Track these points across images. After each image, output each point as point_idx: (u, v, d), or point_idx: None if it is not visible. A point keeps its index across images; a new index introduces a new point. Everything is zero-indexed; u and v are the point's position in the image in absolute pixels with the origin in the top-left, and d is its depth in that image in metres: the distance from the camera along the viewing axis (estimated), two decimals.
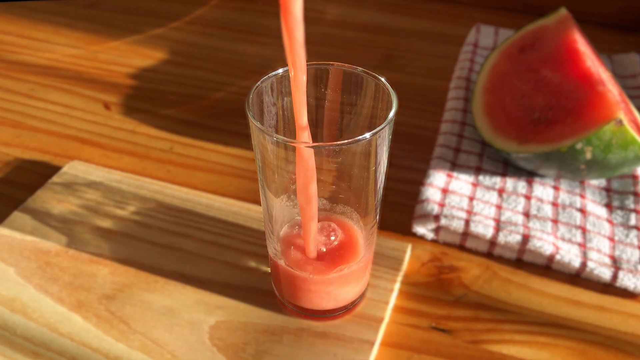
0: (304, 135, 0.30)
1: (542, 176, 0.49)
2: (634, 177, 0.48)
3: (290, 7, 0.25)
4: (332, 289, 0.35)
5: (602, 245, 0.43)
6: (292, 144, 0.29)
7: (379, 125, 0.30)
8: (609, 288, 0.42)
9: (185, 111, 0.59)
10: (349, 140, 0.29)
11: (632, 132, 0.42)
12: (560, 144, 0.44)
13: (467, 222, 0.43)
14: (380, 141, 0.30)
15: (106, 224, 0.45)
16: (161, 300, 0.39)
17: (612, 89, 0.46)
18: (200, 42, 0.71)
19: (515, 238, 0.43)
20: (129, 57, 0.68)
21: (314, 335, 0.37)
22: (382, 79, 0.32)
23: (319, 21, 0.75)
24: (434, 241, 0.45)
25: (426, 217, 0.44)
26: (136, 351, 0.36)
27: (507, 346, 0.38)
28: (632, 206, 0.46)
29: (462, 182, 0.47)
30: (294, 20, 0.26)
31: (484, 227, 0.43)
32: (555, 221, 0.45)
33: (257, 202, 0.47)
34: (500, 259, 0.44)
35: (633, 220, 0.45)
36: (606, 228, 0.45)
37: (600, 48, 0.65)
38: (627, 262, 0.42)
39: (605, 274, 0.41)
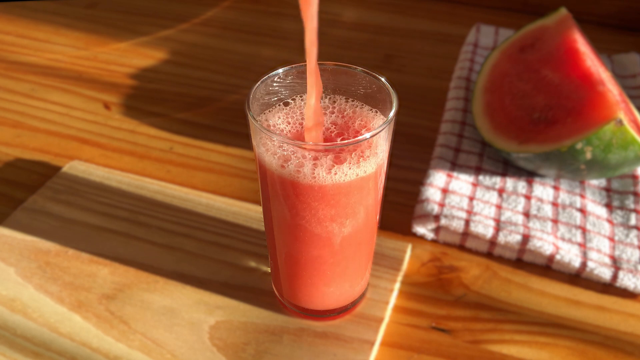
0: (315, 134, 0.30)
1: (542, 176, 0.49)
2: (634, 177, 0.48)
3: (309, 9, 0.28)
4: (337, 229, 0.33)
5: (602, 245, 0.43)
6: (292, 144, 0.29)
7: (379, 126, 0.30)
8: (609, 288, 0.42)
9: (185, 111, 0.59)
10: (349, 141, 0.29)
11: (632, 132, 0.42)
12: (560, 144, 0.44)
13: (467, 222, 0.43)
14: (380, 141, 0.30)
15: (106, 224, 0.45)
16: (161, 300, 0.39)
17: (612, 89, 0.46)
18: (201, 42, 0.71)
19: (515, 238, 0.43)
20: (129, 57, 0.68)
21: (314, 335, 0.37)
22: (382, 79, 0.32)
23: (320, 21, 0.75)
24: (434, 241, 0.45)
25: (426, 217, 0.44)
26: (136, 351, 0.36)
27: (507, 346, 0.38)
28: (632, 206, 0.46)
29: (462, 182, 0.47)
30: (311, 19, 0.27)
31: (484, 227, 0.43)
32: (555, 221, 0.45)
33: (257, 202, 0.47)
34: (500, 259, 0.44)
35: (633, 220, 0.45)
36: (606, 228, 0.45)
37: (600, 48, 0.65)
38: (627, 262, 0.42)
39: (605, 274, 0.41)
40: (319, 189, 0.30)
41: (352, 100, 0.33)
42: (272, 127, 0.32)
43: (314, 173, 0.29)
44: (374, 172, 0.31)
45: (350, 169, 0.29)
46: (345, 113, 0.33)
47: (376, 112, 0.33)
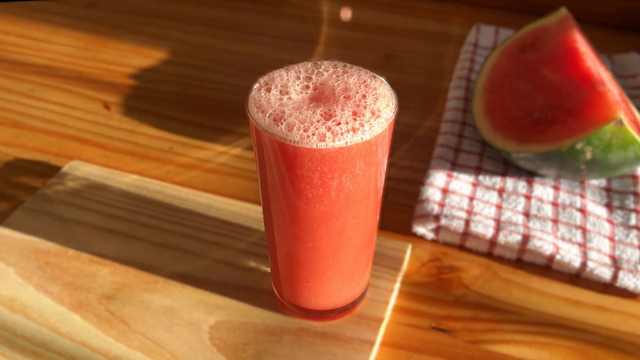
0: None
1: (542, 176, 0.49)
2: (634, 177, 0.48)
3: None
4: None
5: (602, 245, 0.43)
6: (292, 144, 0.29)
7: (379, 125, 0.30)
8: (609, 288, 0.42)
9: (185, 111, 0.59)
10: (349, 141, 0.29)
11: (632, 132, 0.42)
12: (560, 144, 0.44)
13: (467, 222, 0.43)
14: (380, 141, 0.30)
15: (106, 224, 0.45)
16: (161, 300, 0.39)
17: (612, 89, 0.46)
18: (200, 42, 0.71)
19: (515, 238, 0.43)
20: (129, 57, 0.68)
21: (314, 335, 0.37)
22: (382, 79, 0.32)
23: (319, 21, 0.75)
24: (434, 241, 0.45)
25: (426, 217, 0.44)
26: (136, 351, 0.36)
27: (507, 346, 0.38)
28: (632, 206, 0.46)
29: (462, 182, 0.47)
30: None
31: (484, 227, 0.43)
32: (555, 221, 0.45)
33: (257, 202, 0.47)
34: (500, 259, 0.44)
35: (633, 220, 0.45)
36: (606, 228, 0.45)
37: (600, 48, 0.65)
38: (627, 262, 0.42)
39: (605, 274, 0.41)
40: (314, 154, 0.29)
41: (350, 67, 0.33)
42: (277, 89, 0.32)
43: (309, 138, 0.29)
44: (372, 143, 0.30)
45: (345, 133, 0.29)
46: (340, 73, 0.32)
47: (374, 75, 0.32)
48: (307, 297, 0.37)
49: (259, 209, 0.45)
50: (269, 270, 0.41)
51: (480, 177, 0.48)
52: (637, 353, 0.38)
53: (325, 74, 0.33)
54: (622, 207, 0.46)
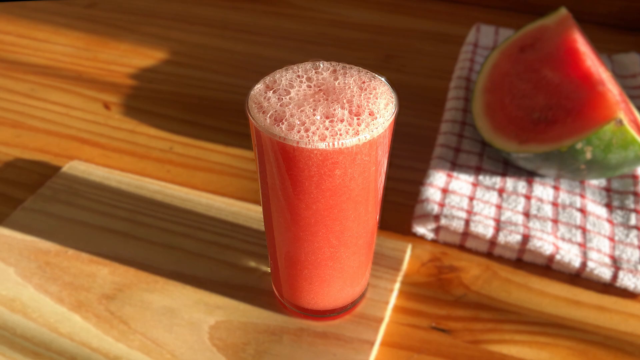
0: None
1: (542, 176, 0.49)
2: (634, 177, 0.48)
3: None
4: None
5: (602, 245, 0.43)
6: (292, 144, 0.29)
7: (379, 125, 0.30)
8: (609, 288, 0.42)
9: (185, 111, 0.59)
10: (349, 141, 0.29)
11: (632, 132, 0.42)
12: (560, 144, 0.44)
13: (467, 222, 0.43)
14: (380, 141, 0.30)
15: (106, 224, 0.45)
16: (161, 300, 0.39)
17: (612, 88, 0.46)
18: (200, 42, 0.71)
19: (515, 238, 0.43)
20: (129, 57, 0.68)
21: (314, 335, 0.37)
22: (382, 79, 0.32)
23: (319, 21, 0.75)
24: (434, 241, 0.45)
25: (426, 217, 0.44)
26: (136, 351, 0.36)
27: (507, 346, 0.38)
28: (632, 206, 0.46)
29: (462, 182, 0.47)
30: None
31: (484, 227, 0.43)
32: (555, 221, 0.45)
33: (257, 202, 0.47)
34: (500, 259, 0.44)
35: (633, 220, 0.45)
36: (606, 228, 0.45)
37: (600, 48, 0.65)
38: (627, 262, 0.42)
39: (605, 274, 0.41)
40: (314, 154, 0.29)
41: (350, 67, 0.33)
42: (277, 89, 0.31)
43: (310, 139, 0.29)
44: (373, 142, 0.30)
45: (347, 133, 0.29)
46: (340, 74, 0.32)
47: (374, 75, 0.32)
48: (307, 297, 0.37)
49: (259, 209, 0.45)
50: (269, 270, 0.41)
51: (480, 177, 0.48)
52: (637, 353, 0.38)
53: (325, 74, 0.33)
54: (622, 207, 0.46)
